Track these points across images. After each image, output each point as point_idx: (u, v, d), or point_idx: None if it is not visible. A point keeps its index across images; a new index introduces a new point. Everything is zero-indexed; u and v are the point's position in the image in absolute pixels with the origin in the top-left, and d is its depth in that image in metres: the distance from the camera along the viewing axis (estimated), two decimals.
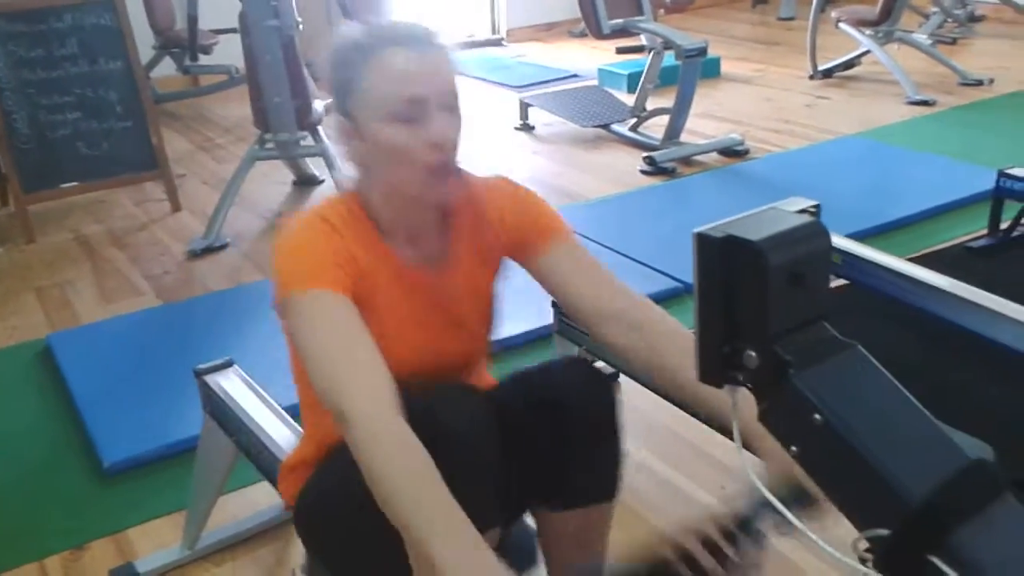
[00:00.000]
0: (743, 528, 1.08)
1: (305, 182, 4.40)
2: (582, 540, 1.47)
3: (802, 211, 0.84)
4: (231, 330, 2.92)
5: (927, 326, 2.55)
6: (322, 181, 4.35)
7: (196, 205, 4.17)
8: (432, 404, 1.23)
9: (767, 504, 0.87)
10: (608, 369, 2.56)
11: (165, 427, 2.40)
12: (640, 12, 4.61)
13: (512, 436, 1.34)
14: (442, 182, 1.29)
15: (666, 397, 1.49)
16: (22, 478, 2.33)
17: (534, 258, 1.45)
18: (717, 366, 0.77)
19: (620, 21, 4.52)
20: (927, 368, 2.55)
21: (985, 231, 3.29)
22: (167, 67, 5.95)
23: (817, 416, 0.71)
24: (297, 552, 2.02)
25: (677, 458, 2.26)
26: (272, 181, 4.42)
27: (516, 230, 1.45)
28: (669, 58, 4.57)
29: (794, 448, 0.74)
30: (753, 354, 0.74)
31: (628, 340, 1.37)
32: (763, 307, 0.72)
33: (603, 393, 1.41)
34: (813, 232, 0.76)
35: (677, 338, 1.33)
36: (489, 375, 1.59)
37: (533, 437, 1.39)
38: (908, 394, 0.76)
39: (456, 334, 1.42)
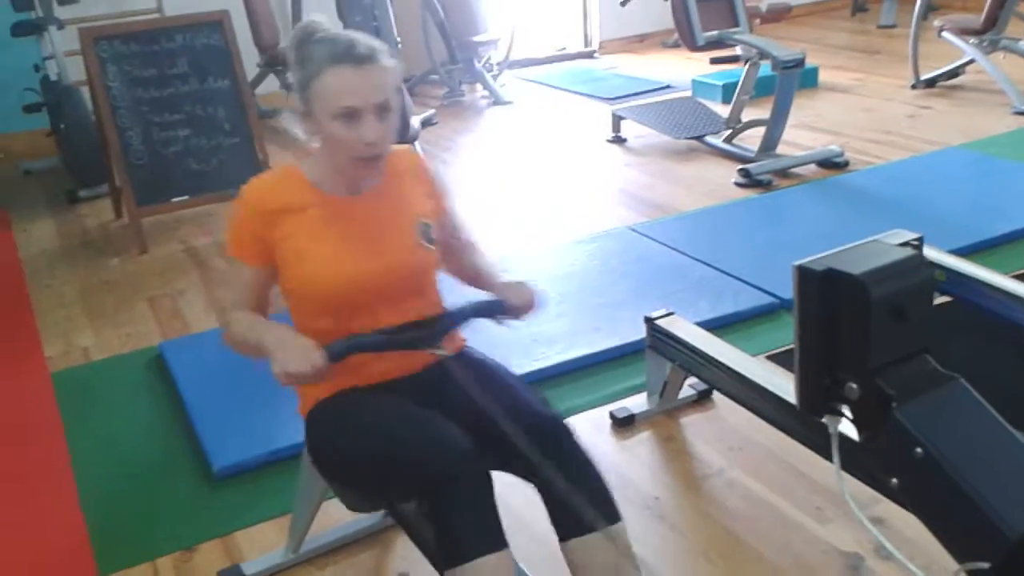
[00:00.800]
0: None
1: None
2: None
3: (904, 244, 0.84)
4: None
5: None
6: None
7: None
8: (423, 453, 1.54)
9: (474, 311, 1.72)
10: (700, 386, 2.57)
11: (271, 433, 2.49)
12: (735, 23, 4.57)
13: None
14: (370, 166, 1.67)
15: (469, 284, 1.91)
16: (136, 481, 2.45)
17: (439, 211, 1.83)
18: (818, 397, 0.78)
19: (715, 33, 4.49)
20: None
21: None
22: (271, 84, 6.15)
23: (919, 450, 0.72)
24: (397, 556, 2.08)
25: (772, 477, 2.25)
26: None
27: (429, 186, 1.83)
28: (765, 68, 4.51)
29: (894, 481, 0.74)
30: (855, 386, 0.75)
31: (458, 262, 1.90)
32: (865, 340, 0.73)
33: (563, 440, 1.63)
34: (915, 265, 0.76)
35: (473, 249, 1.90)
36: (443, 303, 1.85)
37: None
38: (1010, 428, 0.76)
39: (381, 250, 1.72)
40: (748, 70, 4.60)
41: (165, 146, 4.11)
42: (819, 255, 0.78)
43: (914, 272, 0.77)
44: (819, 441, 1.30)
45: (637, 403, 2.56)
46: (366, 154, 1.63)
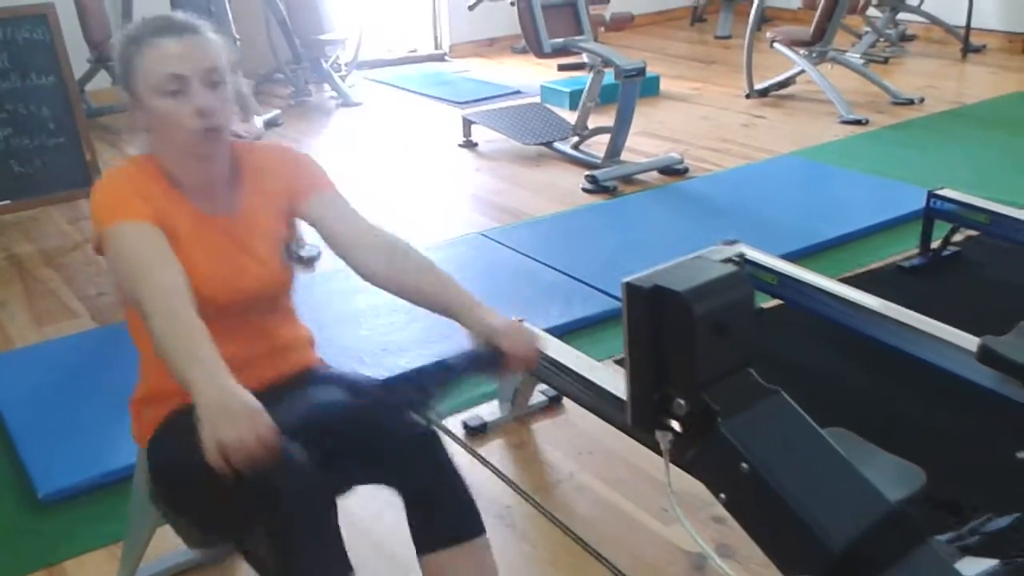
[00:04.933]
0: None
1: None
2: None
3: (727, 260, 0.86)
4: None
5: (859, 346, 2.62)
6: None
7: None
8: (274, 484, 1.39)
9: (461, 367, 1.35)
10: (551, 391, 2.58)
11: (102, 455, 2.35)
12: (580, 31, 4.66)
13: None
14: (210, 141, 1.55)
15: (409, 300, 1.69)
16: None
17: (303, 205, 1.71)
18: (648, 411, 0.79)
19: (560, 40, 4.57)
20: (859, 387, 2.62)
21: (916, 250, 3.39)
22: (103, 80, 5.84)
23: (744, 465, 0.74)
24: None
25: (619, 480, 2.29)
26: None
27: (288, 183, 1.71)
28: (610, 76, 4.62)
29: (722, 495, 0.76)
30: (682, 402, 0.76)
31: (375, 263, 1.67)
32: (691, 356, 0.74)
33: (429, 454, 1.56)
34: (737, 282, 0.78)
35: (412, 254, 1.67)
36: (297, 319, 1.78)
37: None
38: (830, 440, 0.79)
39: (248, 267, 1.62)
40: (593, 78, 4.69)
41: None
42: (647, 271, 0.78)
43: (736, 288, 0.78)
44: (653, 441, 1.31)
45: (489, 411, 2.56)
46: (200, 126, 1.52)
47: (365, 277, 1.67)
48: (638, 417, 0.81)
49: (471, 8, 6.14)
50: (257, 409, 1.27)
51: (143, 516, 1.87)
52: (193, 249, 1.57)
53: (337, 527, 1.46)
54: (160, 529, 1.90)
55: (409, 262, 1.66)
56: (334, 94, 6.26)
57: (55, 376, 2.81)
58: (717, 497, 0.78)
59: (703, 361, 0.75)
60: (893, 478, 1.57)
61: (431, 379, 1.46)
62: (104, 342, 3.05)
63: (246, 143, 1.79)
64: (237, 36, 3.65)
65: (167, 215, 1.55)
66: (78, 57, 4.91)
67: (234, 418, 1.24)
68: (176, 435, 1.55)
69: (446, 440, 1.60)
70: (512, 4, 4.69)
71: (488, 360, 1.42)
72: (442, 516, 1.52)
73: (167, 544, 2.03)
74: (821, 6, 5.46)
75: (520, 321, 1.59)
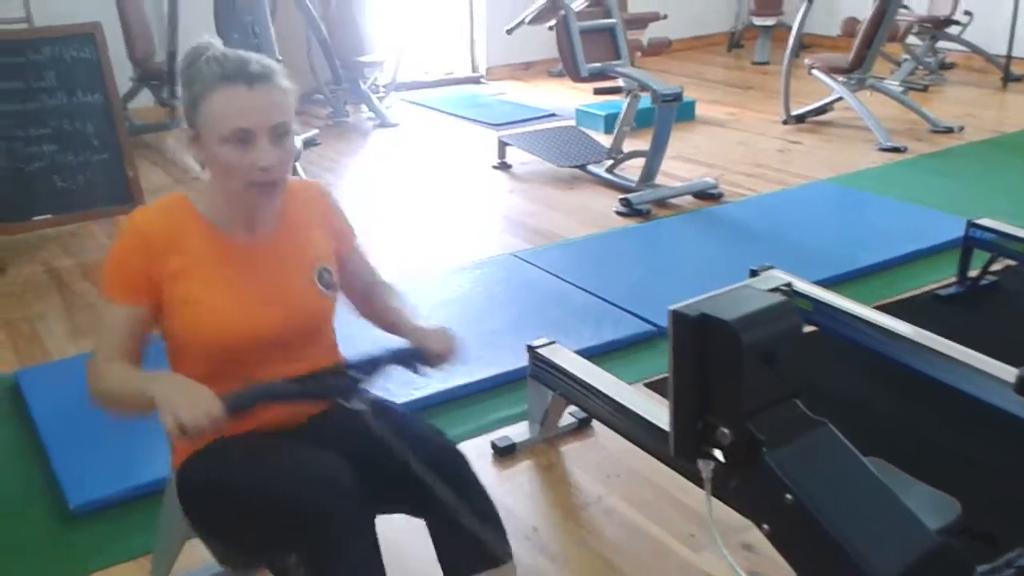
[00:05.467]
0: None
1: None
2: None
3: (775, 289, 0.87)
4: None
5: (894, 374, 2.58)
6: None
7: None
8: (300, 490, 1.44)
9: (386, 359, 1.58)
10: (581, 413, 2.58)
11: (132, 468, 2.37)
12: (617, 56, 4.67)
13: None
14: (265, 193, 1.55)
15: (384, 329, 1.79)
16: None
17: (344, 253, 1.75)
18: (691, 440, 0.78)
19: (597, 65, 4.58)
20: (894, 416, 2.58)
21: (954, 279, 3.34)
22: (146, 98, 5.93)
23: (788, 496, 0.73)
24: None
25: (647, 504, 2.27)
26: None
27: (334, 227, 1.74)
28: (646, 100, 4.62)
29: (765, 526, 0.75)
30: (727, 431, 0.75)
31: (369, 308, 1.81)
32: (737, 385, 0.74)
33: (463, 475, 1.58)
34: (785, 312, 0.77)
35: (388, 292, 1.81)
36: (339, 350, 1.77)
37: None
38: (876, 473, 0.78)
39: (279, 298, 1.61)
40: (629, 102, 4.70)
41: (29, 162, 3.90)
42: (693, 299, 0.78)
43: (784, 319, 0.78)
44: (693, 469, 1.31)
45: (518, 432, 2.55)
46: (260, 180, 1.50)
47: (359, 315, 1.83)
48: (681, 445, 0.80)
49: (509, 32, 6.17)
50: (205, 392, 1.40)
51: (172, 530, 1.87)
52: (223, 277, 1.57)
53: (375, 547, 1.46)
54: (189, 543, 1.90)
55: (384, 300, 1.81)
56: (372, 115, 6.31)
57: None
58: (760, 528, 0.77)
59: (749, 391, 0.74)
60: (928, 509, 1.53)
61: (358, 368, 1.61)
62: None
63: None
64: (279, 57, 3.69)
65: (185, 258, 1.55)
66: (121, 75, 4.99)
67: (186, 399, 1.38)
68: (207, 457, 1.57)
69: (473, 460, 1.60)
70: (550, 28, 4.71)
71: (411, 354, 1.65)
72: (469, 540, 1.50)
73: (196, 558, 2.04)
74: (861, 34, 5.44)
75: (444, 327, 1.71)
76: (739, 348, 0.73)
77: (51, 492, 2.36)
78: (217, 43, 1.55)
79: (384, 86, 6.57)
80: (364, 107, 6.44)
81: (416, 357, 1.64)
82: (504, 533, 1.58)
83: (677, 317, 0.76)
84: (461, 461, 1.60)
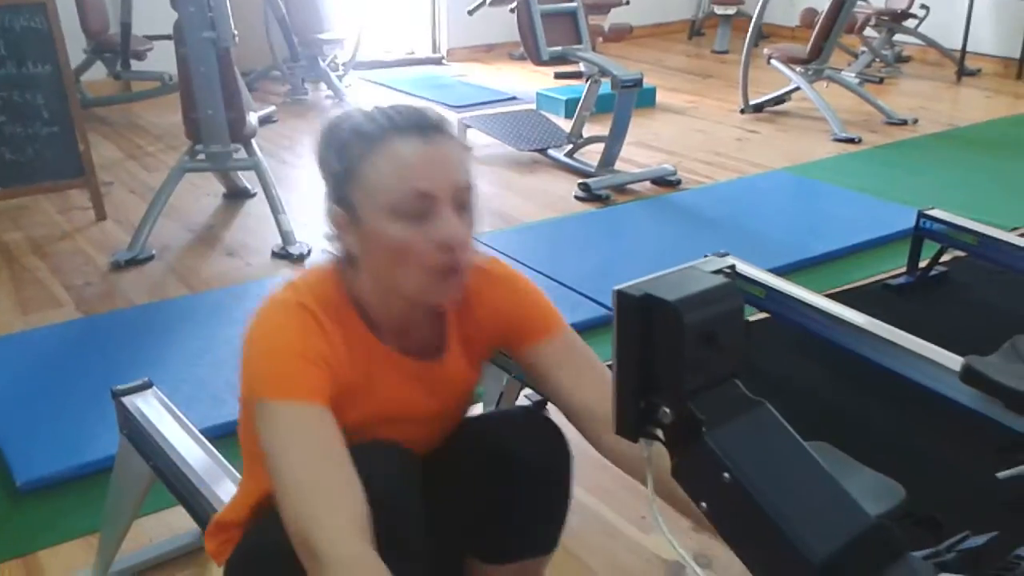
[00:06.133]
0: None
1: (236, 195, 4.35)
2: None
3: (718, 271, 0.86)
4: (152, 346, 2.86)
5: (844, 361, 2.63)
6: (254, 194, 4.30)
7: (122, 215, 4.09)
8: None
9: None
10: (536, 396, 2.59)
11: (81, 446, 2.34)
12: (578, 40, 4.67)
13: (454, 485, 1.35)
14: (447, 284, 1.19)
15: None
16: None
17: (522, 351, 1.38)
18: (633, 420, 0.79)
19: (559, 49, 4.57)
20: (842, 402, 2.62)
21: (904, 269, 3.40)
22: (99, 71, 5.82)
23: (726, 475, 0.74)
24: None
25: (599, 487, 2.28)
26: (202, 193, 4.35)
27: (508, 322, 1.37)
28: (606, 85, 4.63)
29: (703, 504, 0.76)
30: (668, 410, 0.76)
31: (627, 446, 0.94)
32: (678, 365, 0.75)
33: (559, 448, 1.40)
34: (727, 293, 0.78)
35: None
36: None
37: (478, 487, 1.37)
38: (813, 453, 0.79)
39: (441, 419, 1.38)
40: (589, 87, 4.70)
41: None
42: (638, 280, 0.78)
43: (726, 300, 0.78)
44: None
45: (475, 414, 2.55)
46: (442, 263, 1.15)
47: (614, 459, 1.35)
48: (623, 424, 0.81)
49: (471, 12, 6.15)
50: None
51: (120, 508, 1.86)
52: (381, 395, 1.26)
53: None
54: (137, 522, 1.90)
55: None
56: (330, 93, 6.26)
57: (38, 364, 2.80)
58: (698, 506, 0.78)
59: (690, 371, 0.75)
60: (873, 493, 1.57)
61: None
62: (88, 332, 3.04)
63: None
64: (235, 31, 3.63)
65: (353, 369, 1.20)
66: (75, 47, 4.89)
67: None
68: (259, 561, 1.26)
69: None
70: (512, 11, 4.70)
71: None
72: (534, 525, 1.36)
73: (144, 537, 2.02)
74: (818, 25, 5.49)
75: None
76: (680, 328, 0.74)
77: None
78: (358, 110, 1.24)
79: (343, 64, 6.51)
80: (323, 85, 6.37)
81: None
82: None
83: (621, 297, 0.77)
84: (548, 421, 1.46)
